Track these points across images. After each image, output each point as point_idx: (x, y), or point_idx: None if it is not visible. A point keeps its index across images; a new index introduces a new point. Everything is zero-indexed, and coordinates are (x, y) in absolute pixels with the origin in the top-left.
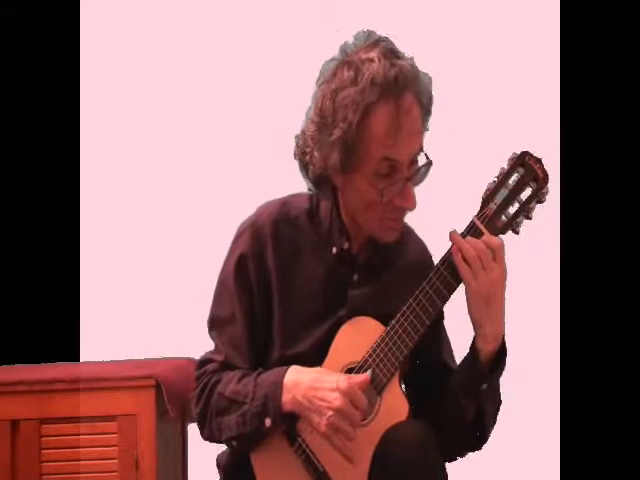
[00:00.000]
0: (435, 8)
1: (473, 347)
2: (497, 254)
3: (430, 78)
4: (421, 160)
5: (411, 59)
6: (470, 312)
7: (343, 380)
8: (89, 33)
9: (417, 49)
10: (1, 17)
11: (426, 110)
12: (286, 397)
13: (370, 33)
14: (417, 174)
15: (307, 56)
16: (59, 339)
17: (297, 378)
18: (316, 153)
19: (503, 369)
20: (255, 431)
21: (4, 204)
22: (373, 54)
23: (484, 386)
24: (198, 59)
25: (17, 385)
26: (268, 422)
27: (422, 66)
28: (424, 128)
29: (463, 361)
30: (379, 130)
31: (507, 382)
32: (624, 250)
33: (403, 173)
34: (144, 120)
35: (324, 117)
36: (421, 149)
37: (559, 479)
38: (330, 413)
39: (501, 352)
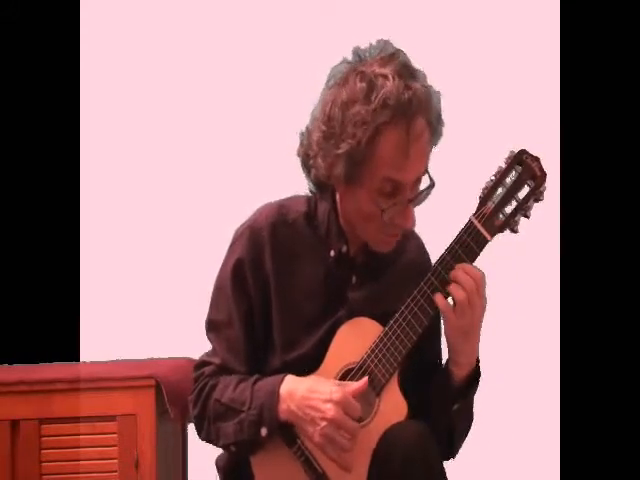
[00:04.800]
0: (436, 6)
1: (447, 367)
2: (479, 288)
3: (439, 97)
4: (424, 181)
5: (423, 77)
6: (447, 340)
7: (337, 390)
8: (89, 33)
9: (417, 47)
10: (1, 17)
11: (434, 131)
12: (281, 407)
13: (386, 44)
14: (419, 196)
15: (309, 58)
16: (59, 339)
17: (292, 388)
18: (320, 160)
19: (475, 391)
20: (252, 439)
21: (4, 204)
22: (387, 71)
23: (456, 406)
24: (197, 59)
25: (17, 385)
26: (264, 431)
27: (420, 62)
28: (431, 149)
29: (437, 376)
30: (387, 152)
31: (508, 381)
32: (624, 248)
33: (406, 194)
34: (144, 120)
35: (332, 127)
36: (425, 170)
37: (559, 479)
38: (323, 424)
39: (475, 375)
